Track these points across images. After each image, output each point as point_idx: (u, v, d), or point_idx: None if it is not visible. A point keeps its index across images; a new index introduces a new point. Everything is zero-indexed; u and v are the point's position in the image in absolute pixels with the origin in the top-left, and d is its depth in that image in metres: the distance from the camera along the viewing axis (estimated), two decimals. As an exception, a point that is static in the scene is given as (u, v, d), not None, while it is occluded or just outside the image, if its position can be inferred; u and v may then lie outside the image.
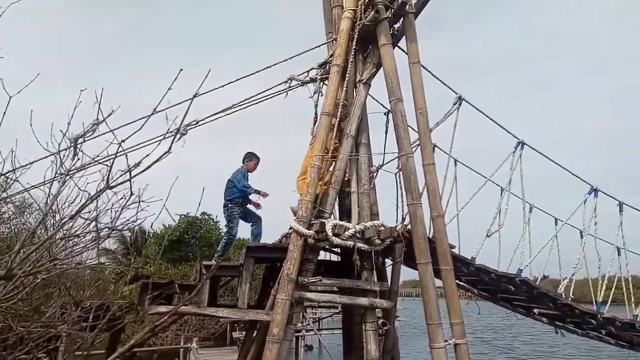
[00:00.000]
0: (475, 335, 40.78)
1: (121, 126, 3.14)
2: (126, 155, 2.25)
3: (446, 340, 5.40)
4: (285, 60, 5.94)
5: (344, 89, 5.81)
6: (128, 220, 2.44)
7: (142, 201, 2.36)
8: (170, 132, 6.02)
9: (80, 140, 2.44)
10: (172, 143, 2.35)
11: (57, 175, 2.39)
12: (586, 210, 6.55)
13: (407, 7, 5.74)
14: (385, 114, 6.64)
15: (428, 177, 5.73)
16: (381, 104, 6.66)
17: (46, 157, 2.51)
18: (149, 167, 2.22)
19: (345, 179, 5.90)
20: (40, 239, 2.56)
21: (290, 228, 5.49)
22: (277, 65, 6.02)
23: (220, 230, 24.59)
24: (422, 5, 5.92)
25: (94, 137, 2.45)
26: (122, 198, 2.34)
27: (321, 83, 6.16)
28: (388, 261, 6.42)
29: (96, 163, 2.36)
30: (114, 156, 2.22)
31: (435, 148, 6.69)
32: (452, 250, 5.76)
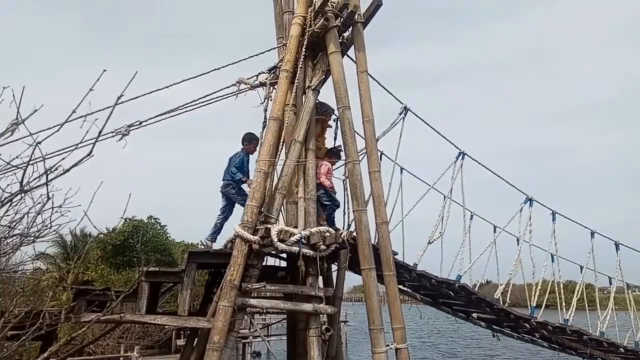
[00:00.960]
0: (422, 340, 41.74)
1: (44, 129, 2.96)
2: (44, 158, 2.12)
3: (388, 345, 5.49)
4: (234, 63, 5.89)
5: (293, 94, 5.81)
6: (45, 225, 2.31)
7: (59, 207, 2.23)
8: (116, 131, 5.88)
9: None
10: (93, 146, 2.23)
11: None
12: (522, 218, 6.86)
13: (356, 16, 5.84)
14: (334, 120, 6.70)
15: (374, 184, 5.83)
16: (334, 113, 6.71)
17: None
18: (67, 170, 2.11)
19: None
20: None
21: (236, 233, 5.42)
22: (229, 67, 5.97)
23: (168, 235, 23.93)
24: (371, 16, 6.03)
25: (16, 139, 2.29)
26: (38, 203, 2.21)
27: (270, 87, 6.13)
28: (334, 267, 6.47)
29: (12, 167, 2.22)
30: (28, 159, 2.09)
31: (382, 156, 6.82)
32: (395, 257, 5.87)
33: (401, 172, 6.84)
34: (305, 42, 5.81)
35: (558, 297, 7.20)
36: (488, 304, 6.89)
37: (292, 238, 5.35)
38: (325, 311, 5.75)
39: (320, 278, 6.17)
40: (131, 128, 5.61)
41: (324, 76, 5.98)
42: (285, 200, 5.77)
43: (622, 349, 7.66)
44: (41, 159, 2.11)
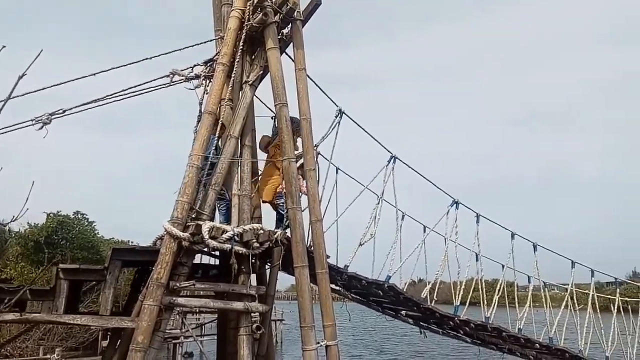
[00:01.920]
0: (354, 337, 42.55)
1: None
2: None
3: (318, 342, 5.52)
4: (167, 53, 5.69)
5: (229, 88, 5.69)
6: None
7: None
8: (36, 119, 5.49)
9: None
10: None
11: None
12: (449, 220, 7.13)
13: (295, 14, 5.81)
14: (272, 118, 6.63)
15: (309, 182, 5.83)
16: (269, 109, 6.65)
17: None
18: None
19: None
20: None
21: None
22: (163, 56, 5.76)
23: (96, 232, 22.78)
24: (310, 14, 6.02)
25: None
26: None
27: (206, 81, 5.96)
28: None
29: None
30: None
31: (319, 156, 6.81)
32: (327, 259, 5.89)
33: (337, 172, 6.88)
34: (243, 36, 5.71)
35: (481, 295, 7.55)
36: (415, 303, 7.12)
37: (224, 235, 5.24)
38: (257, 309, 5.68)
39: (254, 276, 6.12)
40: (53, 117, 5.27)
41: (261, 72, 5.91)
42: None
43: (537, 344, 8.14)
44: None
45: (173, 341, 14.60)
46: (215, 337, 6.81)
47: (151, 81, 5.74)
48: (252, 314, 5.69)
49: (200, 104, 6.05)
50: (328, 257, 6.09)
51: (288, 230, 5.76)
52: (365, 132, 6.66)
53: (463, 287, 7.22)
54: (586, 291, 8.98)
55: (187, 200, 5.17)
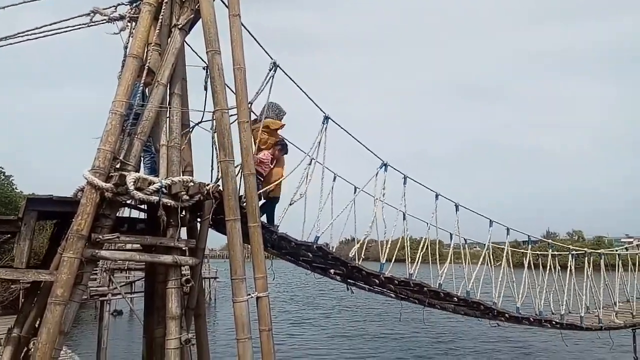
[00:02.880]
0: (290, 294, 43.58)
1: None
2: None
3: (249, 294, 5.55)
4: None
5: (157, 31, 5.35)
6: None
7: None
8: None
9: None
10: None
11: None
12: (378, 181, 7.32)
13: (229, -45, 5.50)
14: (204, 68, 6.35)
15: (242, 135, 5.70)
16: (202, 59, 6.35)
17: None
18: None
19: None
20: None
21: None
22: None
23: (14, 187, 21.31)
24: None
25: None
26: None
27: (132, 23, 5.55)
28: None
29: None
30: None
31: (252, 114, 6.65)
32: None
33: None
34: (173, -25, 5.34)
35: (406, 253, 7.91)
36: (343, 262, 7.34)
37: (151, 187, 5.04)
38: (187, 263, 5.60)
39: (184, 230, 6.00)
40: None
41: (192, 16, 5.57)
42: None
43: (455, 297, 8.73)
44: None
45: (100, 299, 14.16)
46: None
47: (68, 19, 5.26)
48: (182, 268, 5.61)
49: (126, 48, 5.66)
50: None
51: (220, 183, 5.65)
52: (300, 89, 6.54)
53: (389, 245, 7.51)
54: (502, 246, 9.66)
55: (110, 149, 4.89)
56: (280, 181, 7.06)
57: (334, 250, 7.66)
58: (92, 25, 5.33)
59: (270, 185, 6.87)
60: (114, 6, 5.46)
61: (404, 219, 7.79)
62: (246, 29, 5.82)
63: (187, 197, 5.28)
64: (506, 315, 9.57)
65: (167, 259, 5.34)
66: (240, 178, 5.89)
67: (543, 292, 10.25)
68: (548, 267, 10.35)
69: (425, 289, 8.29)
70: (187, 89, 6.02)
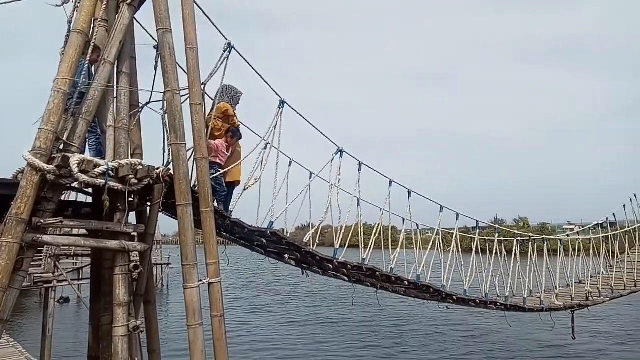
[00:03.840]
0: (244, 280, 43.46)
1: None
2: None
3: (200, 280, 5.47)
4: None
5: (104, 6, 5.09)
6: None
7: None
8: None
9: None
10: None
11: None
12: (333, 167, 7.34)
13: None
14: (155, 47, 6.12)
15: (194, 117, 5.56)
16: (153, 38, 6.10)
17: None
18: None
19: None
20: None
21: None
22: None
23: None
24: None
25: None
26: None
27: (77, -5, 5.25)
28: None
29: None
30: None
31: (205, 96, 6.47)
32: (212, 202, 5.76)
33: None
34: (119, -53, 5.08)
35: (359, 238, 8.02)
36: (297, 248, 7.36)
37: (96, 169, 4.84)
38: (135, 248, 5.44)
39: (133, 215, 5.82)
40: None
41: (142, -9, 5.35)
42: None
43: (406, 281, 8.96)
44: None
45: (45, 286, 13.59)
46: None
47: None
48: (131, 254, 5.45)
49: (70, 22, 5.36)
50: (213, 200, 5.97)
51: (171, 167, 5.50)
52: (256, 72, 6.41)
53: (343, 230, 7.59)
54: (451, 231, 9.97)
55: (52, 130, 4.65)
56: (239, 164, 6.92)
57: (289, 235, 7.68)
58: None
59: (228, 169, 6.72)
60: (56, -24, 5.15)
61: (358, 205, 7.88)
62: (199, 7, 5.64)
63: (136, 181, 5.11)
64: (454, 297, 9.93)
65: (113, 244, 5.16)
66: (193, 162, 5.75)
67: (489, 275, 10.69)
68: (494, 252, 10.79)
69: (378, 273, 8.46)
70: (136, 68, 5.77)
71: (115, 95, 5.33)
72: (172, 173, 5.41)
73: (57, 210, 4.91)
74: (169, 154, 5.68)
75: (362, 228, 8.03)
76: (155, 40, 5.71)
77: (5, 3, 5.02)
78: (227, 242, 8.51)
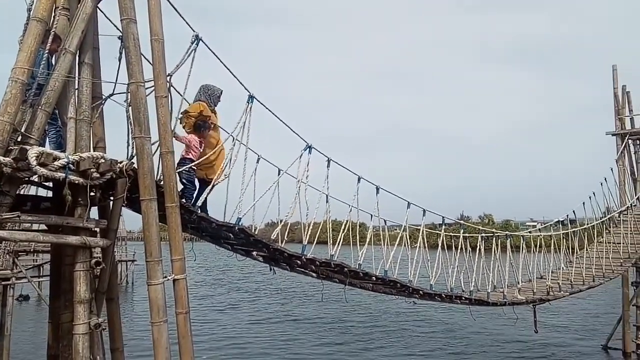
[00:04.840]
0: (211, 277, 43.04)
1: None
2: None
3: (165, 277, 5.38)
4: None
5: (65, -6, 4.93)
6: None
7: None
8: None
9: None
10: None
11: None
12: (301, 163, 7.32)
13: None
14: (119, 38, 5.96)
15: (160, 110, 5.45)
16: (118, 28, 5.93)
17: None
18: None
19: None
20: None
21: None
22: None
23: None
24: None
25: None
26: None
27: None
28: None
29: None
30: None
31: (172, 89, 6.33)
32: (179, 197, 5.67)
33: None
34: None
35: (328, 235, 8.03)
36: (265, 244, 7.32)
37: (56, 163, 4.68)
38: (97, 244, 5.31)
39: (96, 210, 5.67)
40: None
41: (106, -20, 5.21)
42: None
43: (374, 277, 9.04)
44: None
45: (2, 283, 13.08)
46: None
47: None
48: (93, 250, 5.30)
49: (29, 10, 5.16)
50: (180, 193, 5.88)
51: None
52: (224, 65, 6.30)
53: (312, 227, 7.60)
54: (418, 227, 10.12)
55: (9, 121, 4.47)
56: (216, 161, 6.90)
57: (257, 232, 7.63)
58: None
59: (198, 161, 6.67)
60: (14, -38, 4.94)
61: (327, 201, 7.89)
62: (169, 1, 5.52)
63: (97, 175, 4.97)
64: (420, 292, 10.08)
65: (74, 240, 5.02)
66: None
67: (455, 271, 10.90)
68: (459, 248, 11.00)
69: (346, 269, 8.50)
70: (99, 59, 5.62)
71: (76, 87, 5.16)
72: (136, 167, 5.30)
73: (14, 204, 4.74)
74: (132, 148, 5.56)
75: (330, 224, 8.03)
76: (120, 31, 5.56)
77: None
78: (194, 239, 8.41)
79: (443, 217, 10.86)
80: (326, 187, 7.75)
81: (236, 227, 6.72)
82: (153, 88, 5.41)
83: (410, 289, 9.80)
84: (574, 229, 14.96)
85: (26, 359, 15.32)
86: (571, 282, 13.81)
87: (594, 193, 16.10)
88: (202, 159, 6.63)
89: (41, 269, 19.21)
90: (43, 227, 5.52)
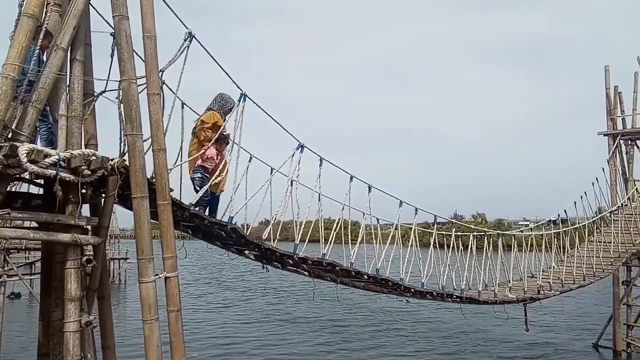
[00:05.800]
0: (202, 275, 42.91)
1: None
2: None
3: (157, 274, 5.38)
4: None
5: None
6: None
7: None
8: None
9: None
10: None
11: None
12: (293, 162, 7.33)
13: None
14: (112, 34, 5.93)
15: (152, 107, 5.44)
16: (110, 25, 5.90)
17: None
18: None
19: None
20: None
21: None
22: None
23: None
24: None
25: None
26: None
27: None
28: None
29: None
30: None
31: (164, 86, 6.31)
32: (170, 193, 5.67)
33: (182, 107, 6.49)
34: None
35: (320, 233, 8.05)
36: (256, 245, 7.34)
37: (47, 160, 4.66)
38: (88, 242, 5.29)
39: (88, 207, 5.65)
40: None
41: (97, -24, 5.18)
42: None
43: (365, 275, 9.08)
44: None
45: (-7, 281, 13.00)
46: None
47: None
48: (84, 247, 5.29)
49: (21, 6, 5.13)
50: (172, 190, 5.87)
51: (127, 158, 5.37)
52: (217, 63, 6.27)
53: (303, 226, 7.61)
54: (410, 225, 10.17)
55: (0, 117, 4.45)
56: (225, 175, 7.03)
57: (251, 230, 7.63)
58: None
59: (215, 177, 6.79)
60: (4, -43, 4.91)
61: (319, 200, 7.91)
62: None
63: (89, 172, 4.95)
64: (412, 290, 10.13)
65: (65, 237, 5.00)
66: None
67: (446, 269, 10.96)
68: (451, 246, 11.06)
69: (337, 268, 8.53)
70: (91, 56, 5.59)
71: (68, 84, 5.14)
72: (128, 164, 5.29)
73: (5, 201, 4.71)
74: (124, 145, 5.54)
75: (322, 223, 8.04)
76: (112, 27, 5.54)
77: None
78: (189, 237, 8.41)
79: (435, 215, 10.93)
80: (318, 185, 7.77)
81: (228, 227, 6.73)
82: (145, 85, 5.39)
83: (401, 287, 9.85)
84: (565, 228, 15.07)
85: (17, 357, 15.25)
86: (562, 281, 13.92)
87: (585, 193, 16.23)
88: (217, 174, 6.77)
89: (33, 266, 19.06)
90: (34, 224, 5.50)
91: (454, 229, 11.22)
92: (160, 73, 5.63)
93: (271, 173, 7.47)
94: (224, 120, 7.02)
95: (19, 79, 4.66)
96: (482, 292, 11.70)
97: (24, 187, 7.33)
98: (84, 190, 5.23)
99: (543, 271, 14.14)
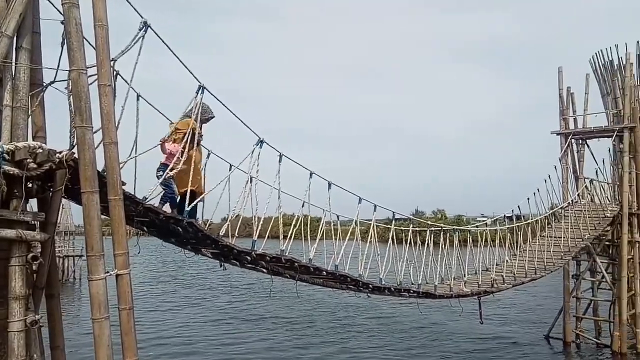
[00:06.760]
0: (158, 271, 41.99)
1: None
2: None
3: (107, 272, 5.22)
4: None
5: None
6: None
7: None
8: None
9: None
10: None
11: None
12: (253, 158, 7.25)
13: None
14: (62, 22, 5.69)
15: (103, 99, 5.25)
16: (60, 12, 5.66)
17: None
18: None
19: None
20: None
21: None
22: None
23: None
24: None
25: None
26: None
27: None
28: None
29: None
30: None
31: (118, 76, 6.10)
32: (123, 187, 5.51)
33: (137, 99, 6.29)
34: None
35: (279, 230, 7.99)
36: (213, 240, 7.22)
37: (-11, 152, 4.44)
38: (34, 238, 5.07)
39: (35, 202, 5.42)
40: None
41: (45, -39, 4.96)
42: None
43: (324, 272, 9.10)
44: None
45: None
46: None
47: None
48: (31, 244, 5.07)
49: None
50: (124, 184, 5.70)
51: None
52: (174, 54, 6.15)
53: (262, 222, 7.56)
54: (369, 221, 10.28)
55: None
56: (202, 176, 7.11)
57: (213, 227, 7.52)
58: None
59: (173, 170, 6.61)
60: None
61: (279, 197, 7.85)
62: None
63: (35, 166, 4.76)
64: (370, 286, 10.24)
65: (9, 233, 4.78)
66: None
67: (404, 264, 11.14)
68: (409, 242, 11.25)
69: (296, 264, 8.50)
70: (40, 44, 5.37)
71: (13, 73, 4.90)
72: (77, 158, 5.10)
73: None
74: (74, 138, 5.33)
75: (282, 219, 7.99)
76: (61, 14, 5.32)
77: None
78: (145, 234, 8.20)
79: (393, 212, 11.08)
80: (278, 182, 7.72)
81: (184, 221, 6.60)
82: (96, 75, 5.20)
83: (360, 283, 9.94)
84: (518, 224, 15.59)
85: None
86: (515, 274, 14.41)
87: (538, 189, 16.84)
88: (171, 167, 6.59)
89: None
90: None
91: (411, 225, 11.42)
92: (113, 62, 5.46)
93: (230, 170, 7.38)
94: (200, 129, 7.01)
95: None
96: (438, 287, 11.97)
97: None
98: (29, 185, 5.03)
99: (497, 265, 14.58)
